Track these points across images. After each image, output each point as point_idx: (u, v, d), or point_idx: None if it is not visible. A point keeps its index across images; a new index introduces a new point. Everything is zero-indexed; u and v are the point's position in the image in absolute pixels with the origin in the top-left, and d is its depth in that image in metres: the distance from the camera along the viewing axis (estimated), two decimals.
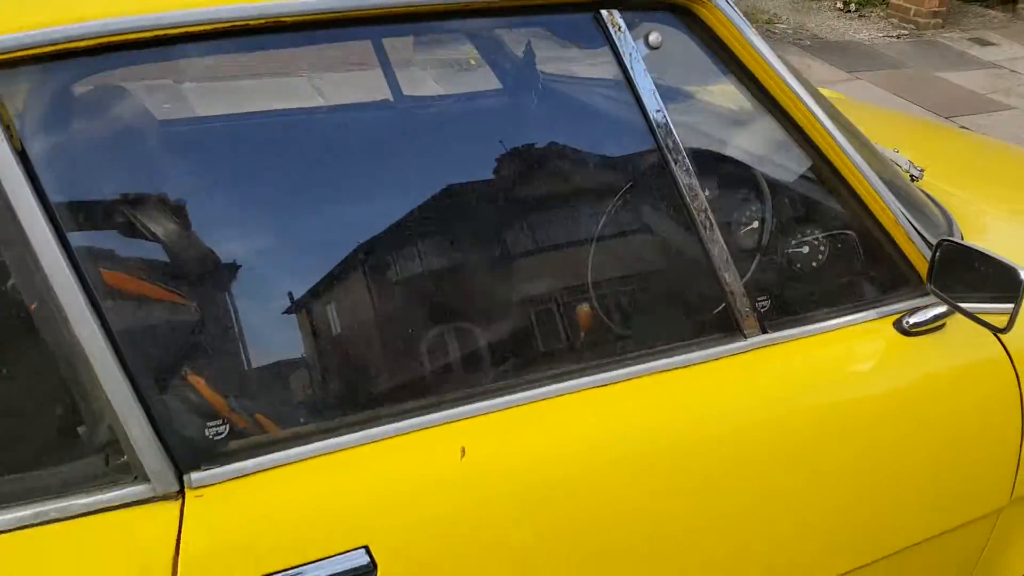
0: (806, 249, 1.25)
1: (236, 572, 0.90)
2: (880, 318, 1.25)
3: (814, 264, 1.25)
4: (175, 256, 1.14)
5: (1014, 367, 1.29)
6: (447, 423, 1.02)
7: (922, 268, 1.22)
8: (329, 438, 0.99)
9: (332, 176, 1.24)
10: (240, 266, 1.13)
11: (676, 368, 1.14)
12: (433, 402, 1.04)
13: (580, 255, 1.26)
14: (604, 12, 1.05)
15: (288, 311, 1.13)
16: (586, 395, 1.10)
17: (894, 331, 1.24)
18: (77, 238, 0.90)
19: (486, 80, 1.53)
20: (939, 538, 1.31)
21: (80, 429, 0.93)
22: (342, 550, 0.94)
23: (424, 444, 1.01)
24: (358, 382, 1.13)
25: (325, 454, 0.98)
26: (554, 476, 1.04)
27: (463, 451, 1.00)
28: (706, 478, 1.12)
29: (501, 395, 1.06)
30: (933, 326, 1.25)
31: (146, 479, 0.91)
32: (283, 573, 0.92)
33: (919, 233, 1.21)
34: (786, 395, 1.18)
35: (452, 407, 1.03)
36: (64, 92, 0.98)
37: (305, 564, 0.93)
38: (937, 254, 1.17)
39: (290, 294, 1.12)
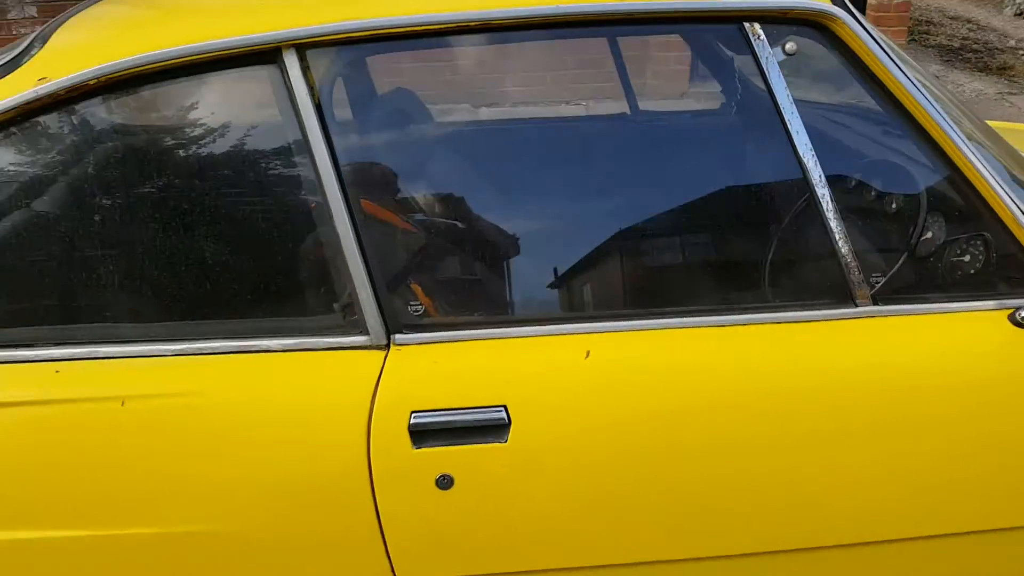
0: (930, 235, 1.41)
1: (410, 402, 1.30)
2: (997, 309, 1.38)
3: (934, 251, 1.41)
4: (415, 205, 1.59)
5: None
6: (579, 333, 1.35)
7: None
8: (491, 328, 1.36)
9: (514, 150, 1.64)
10: (452, 223, 1.56)
11: (789, 322, 1.37)
12: (569, 316, 1.39)
13: (732, 228, 1.53)
14: (746, 24, 1.33)
15: (472, 253, 1.54)
16: (707, 331, 1.37)
17: (1008, 323, 1.37)
18: (348, 174, 1.34)
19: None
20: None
21: (331, 293, 1.38)
22: (487, 404, 1.30)
23: (559, 344, 1.35)
24: (518, 296, 1.51)
25: (486, 339, 1.35)
26: (662, 384, 1.33)
27: (587, 353, 1.33)
28: (800, 422, 1.34)
29: (633, 320, 1.37)
30: None
31: (367, 333, 1.33)
32: (444, 410, 1.30)
33: None
34: (887, 363, 1.36)
35: (586, 322, 1.37)
36: (351, 70, 1.45)
37: (461, 408, 1.30)
38: None
39: (474, 242, 1.54)
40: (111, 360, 1.32)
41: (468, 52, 1.54)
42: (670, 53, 2.75)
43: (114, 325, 1.38)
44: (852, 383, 1.35)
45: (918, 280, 1.42)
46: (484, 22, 1.31)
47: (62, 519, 1.32)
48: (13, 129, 1.31)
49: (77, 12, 1.57)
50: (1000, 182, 1.34)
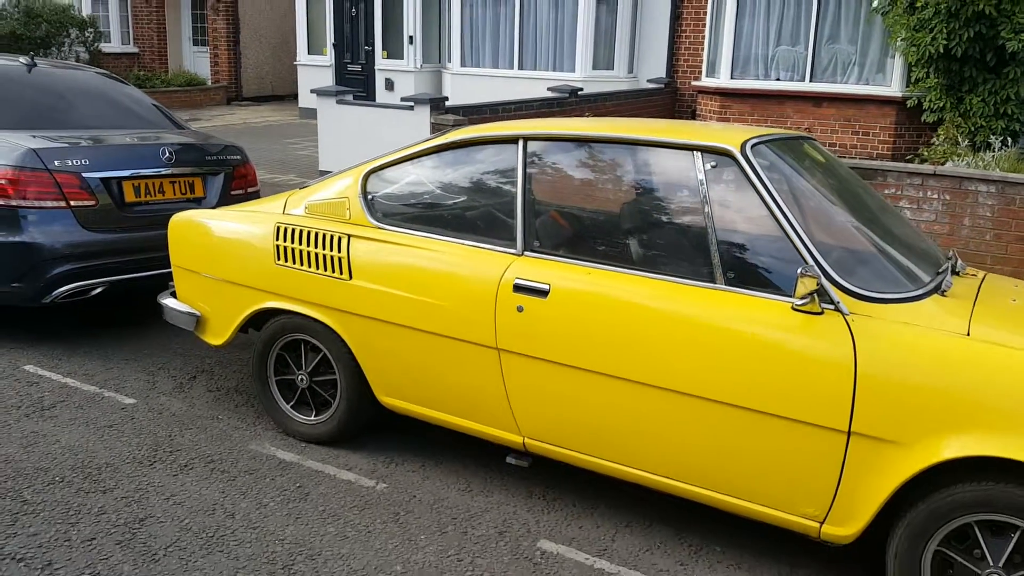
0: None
1: (517, 275, 3.27)
2: (787, 300, 2.90)
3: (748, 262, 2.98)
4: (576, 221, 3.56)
5: (852, 338, 2.75)
6: (582, 266, 3.20)
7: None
8: (560, 257, 3.29)
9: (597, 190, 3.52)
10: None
11: (695, 286, 3.06)
12: (579, 256, 3.25)
13: (687, 240, 3.23)
14: (698, 153, 3.13)
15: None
16: (665, 284, 3.11)
17: (791, 309, 2.88)
18: (534, 192, 3.39)
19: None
20: (788, 424, 2.82)
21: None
22: (543, 281, 3.20)
23: (571, 268, 3.21)
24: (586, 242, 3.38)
25: (544, 259, 3.27)
26: (626, 305, 3.10)
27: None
28: (683, 334, 3.00)
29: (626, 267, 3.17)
30: (809, 309, 2.82)
31: (515, 247, 3.34)
32: (526, 279, 3.23)
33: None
34: (728, 316, 2.96)
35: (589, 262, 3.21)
36: (536, 154, 3.51)
37: (533, 280, 3.22)
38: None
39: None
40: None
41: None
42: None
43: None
44: (710, 323, 2.98)
45: (752, 278, 2.99)
46: (575, 137, 3.33)
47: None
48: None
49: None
50: (807, 241, 2.88)
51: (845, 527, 2.83)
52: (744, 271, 3.02)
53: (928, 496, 2.70)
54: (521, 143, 3.44)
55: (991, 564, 2.64)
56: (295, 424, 3.99)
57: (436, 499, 3.52)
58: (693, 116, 12.96)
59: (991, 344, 2.64)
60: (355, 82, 15.58)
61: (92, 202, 4.99)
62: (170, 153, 5.37)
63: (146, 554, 3.04)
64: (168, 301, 4.37)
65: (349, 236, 3.68)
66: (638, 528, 3.38)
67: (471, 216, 3.57)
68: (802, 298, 2.78)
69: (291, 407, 4.02)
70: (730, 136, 3.16)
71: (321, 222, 3.79)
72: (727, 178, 3.12)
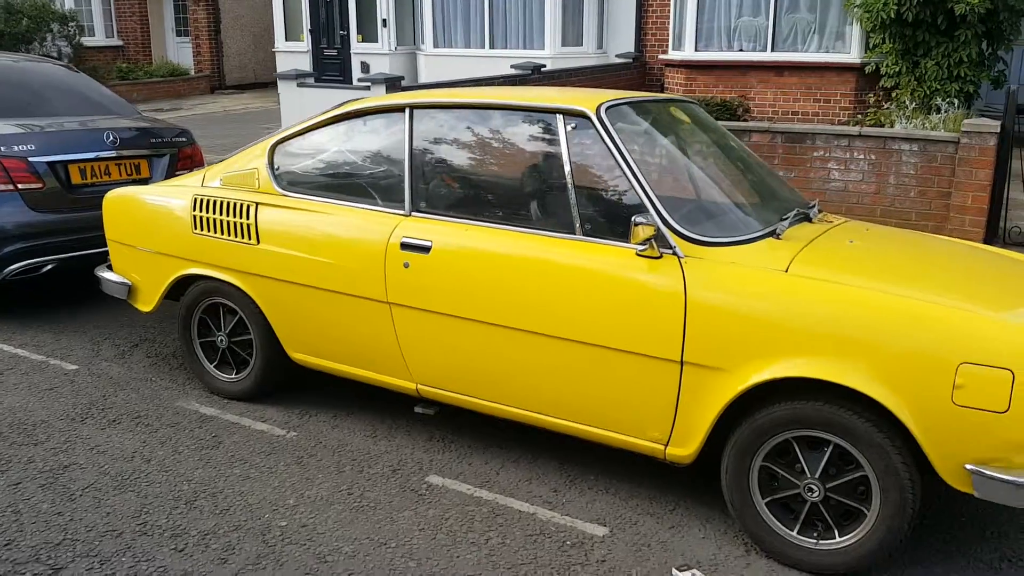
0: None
1: (403, 235, 3.58)
2: (632, 248, 3.21)
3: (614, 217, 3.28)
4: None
5: (684, 278, 3.06)
6: (459, 223, 3.51)
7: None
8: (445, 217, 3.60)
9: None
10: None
11: (554, 237, 3.36)
12: (460, 214, 3.55)
13: (545, 194, 3.54)
14: (560, 116, 3.43)
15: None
16: (532, 236, 3.42)
17: (635, 255, 3.18)
18: (420, 156, 3.71)
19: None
20: (633, 358, 3.13)
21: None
22: (426, 239, 3.52)
23: (452, 225, 3.52)
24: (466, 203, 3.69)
25: (436, 220, 3.58)
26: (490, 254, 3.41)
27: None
28: (544, 276, 3.31)
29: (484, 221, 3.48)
30: (649, 253, 3.13)
31: (404, 210, 3.66)
32: (412, 238, 3.55)
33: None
34: (584, 257, 3.27)
35: (466, 220, 3.52)
36: (421, 121, 3.82)
37: (418, 238, 3.54)
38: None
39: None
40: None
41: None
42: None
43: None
44: (567, 270, 3.28)
45: (605, 228, 3.29)
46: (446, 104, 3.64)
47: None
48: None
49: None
50: (650, 194, 3.19)
51: (684, 448, 3.15)
52: (599, 222, 3.32)
53: (751, 416, 3.01)
54: (408, 111, 3.75)
55: (808, 476, 2.96)
56: (218, 382, 4.33)
57: (340, 444, 3.85)
58: (662, 90, 13.21)
59: (804, 278, 2.95)
60: (332, 66, 15.87)
61: (39, 185, 5.32)
62: (114, 137, 5.69)
63: (64, 495, 3.39)
64: (104, 273, 4.71)
65: (256, 204, 4.00)
66: (524, 462, 3.71)
67: (366, 181, 3.88)
68: (640, 244, 3.09)
69: (214, 367, 4.35)
70: (589, 99, 3.46)
71: (233, 192, 4.11)
72: (585, 138, 3.42)
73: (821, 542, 2.99)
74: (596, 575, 2.96)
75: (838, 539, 2.96)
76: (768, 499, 3.07)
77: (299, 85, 9.32)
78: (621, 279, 3.16)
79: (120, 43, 20.19)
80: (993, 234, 6.58)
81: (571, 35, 13.83)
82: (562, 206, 3.36)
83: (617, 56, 13.84)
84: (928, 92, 10.24)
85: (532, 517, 3.30)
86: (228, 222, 4.05)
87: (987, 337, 2.67)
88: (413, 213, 3.66)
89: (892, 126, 9.67)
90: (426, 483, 3.53)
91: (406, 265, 3.56)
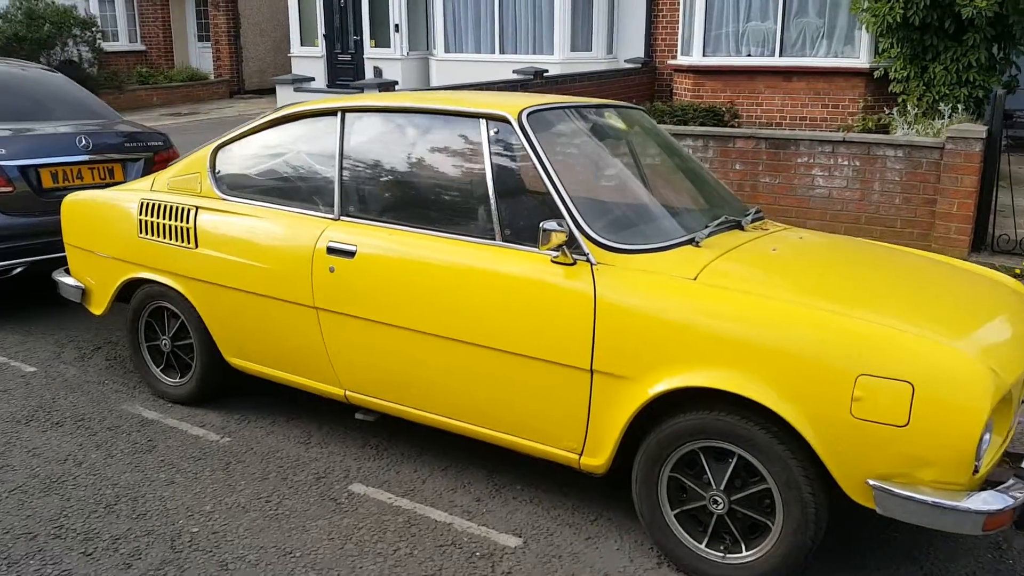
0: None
1: (331, 238, 3.58)
2: (546, 253, 3.18)
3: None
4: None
5: (595, 286, 3.03)
6: (382, 227, 3.50)
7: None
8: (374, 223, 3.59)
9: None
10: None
11: (476, 244, 3.34)
12: (386, 219, 3.54)
13: (464, 198, 3.51)
14: (483, 120, 3.41)
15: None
16: (454, 242, 3.40)
17: (550, 261, 3.15)
18: (350, 160, 3.71)
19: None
20: (546, 366, 3.09)
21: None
22: (351, 243, 3.51)
23: (380, 229, 3.50)
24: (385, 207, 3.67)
25: (356, 223, 3.57)
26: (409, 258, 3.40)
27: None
28: (464, 277, 3.29)
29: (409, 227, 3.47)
30: (562, 260, 3.10)
31: (333, 214, 3.65)
32: (338, 242, 3.55)
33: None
34: (501, 262, 3.24)
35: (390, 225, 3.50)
36: (352, 125, 3.81)
37: (342, 242, 3.53)
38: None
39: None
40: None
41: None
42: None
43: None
44: (486, 277, 3.26)
45: (524, 234, 3.26)
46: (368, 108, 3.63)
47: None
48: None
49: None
50: (567, 200, 3.16)
51: (597, 458, 3.11)
52: (519, 228, 3.29)
53: (658, 426, 2.96)
54: (340, 115, 3.75)
55: (714, 488, 2.91)
56: (163, 386, 4.36)
57: (271, 450, 3.85)
58: (671, 95, 13.13)
59: (710, 287, 2.90)
60: (346, 71, 15.99)
61: (9, 189, 5.40)
62: (87, 141, 5.76)
63: None
64: (61, 277, 4.77)
65: (196, 208, 4.02)
66: (454, 470, 3.69)
67: (300, 185, 3.89)
68: (553, 250, 3.06)
69: (160, 370, 4.38)
70: (512, 104, 3.43)
71: (177, 196, 4.14)
72: (507, 143, 3.40)
73: (728, 556, 2.93)
74: None
75: (744, 553, 2.91)
76: (677, 511, 3.02)
77: (296, 90, 9.40)
78: (536, 286, 3.13)
79: (143, 48, 20.50)
80: (981, 242, 6.44)
81: (581, 40, 13.79)
82: (484, 211, 3.34)
83: (626, 61, 13.78)
84: (937, 97, 10.06)
85: (448, 527, 3.27)
86: (169, 226, 4.08)
87: (886, 349, 2.60)
88: (342, 217, 3.66)
89: (895, 132, 9.52)
90: (348, 492, 3.51)
91: (331, 270, 3.55)
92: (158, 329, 4.35)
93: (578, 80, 11.89)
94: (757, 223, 3.68)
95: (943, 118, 9.33)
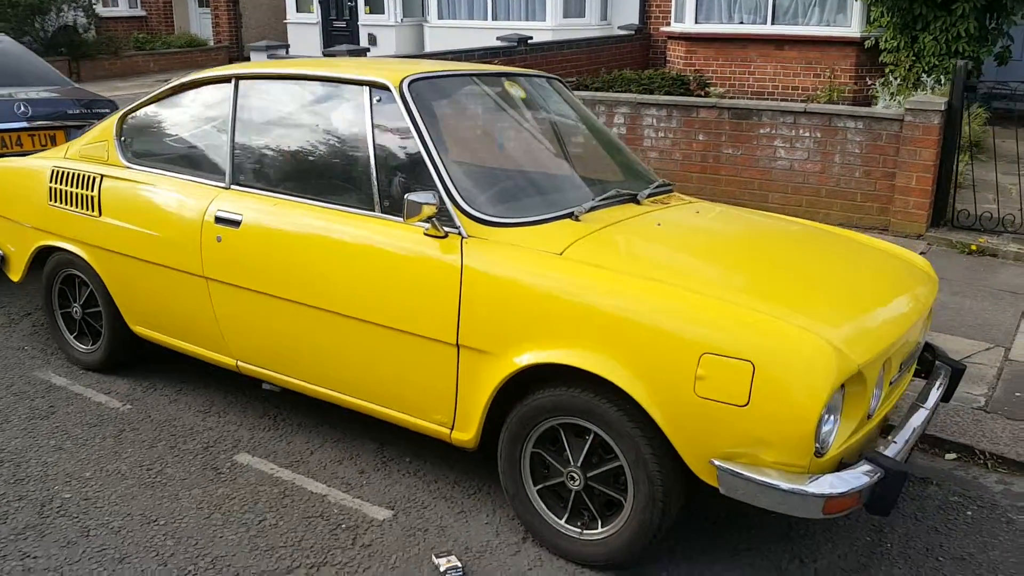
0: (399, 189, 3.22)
1: (218, 208, 3.57)
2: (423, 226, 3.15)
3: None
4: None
5: (462, 260, 2.99)
6: (274, 198, 3.48)
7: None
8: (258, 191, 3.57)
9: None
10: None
11: (357, 215, 3.32)
12: (275, 189, 3.52)
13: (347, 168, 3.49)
14: (367, 88, 3.37)
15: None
16: (334, 212, 3.38)
17: (423, 232, 3.13)
18: (242, 128, 3.69)
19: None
20: (417, 340, 3.08)
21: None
22: (237, 212, 3.50)
23: (265, 199, 3.49)
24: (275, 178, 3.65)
25: (247, 193, 3.55)
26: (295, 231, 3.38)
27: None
28: (342, 251, 3.27)
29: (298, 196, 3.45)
30: (432, 232, 3.07)
31: (225, 183, 3.64)
32: (225, 211, 3.53)
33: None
34: (378, 232, 3.22)
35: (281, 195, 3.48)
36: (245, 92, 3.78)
37: (229, 211, 3.52)
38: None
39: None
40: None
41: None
42: None
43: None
44: (363, 249, 3.24)
45: (402, 205, 3.23)
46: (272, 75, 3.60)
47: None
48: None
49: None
50: (441, 171, 3.12)
51: (465, 433, 3.10)
52: (398, 199, 3.26)
53: (520, 402, 2.94)
54: (234, 82, 3.73)
55: (571, 463, 2.89)
56: (76, 353, 4.39)
57: (169, 419, 3.88)
58: (665, 63, 12.97)
59: (573, 262, 2.86)
60: (340, 38, 15.90)
61: None
62: (26, 108, 5.78)
63: None
64: None
65: (102, 175, 4.02)
66: (345, 442, 3.69)
67: (197, 153, 3.87)
68: (423, 222, 3.03)
69: (74, 337, 4.41)
70: (396, 72, 3.39)
71: (86, 164, 4.14)
72: (389, 112, 3.35)
73: (585, 532, 2.92)
74: (355, 559, 2.94)
75: (600, 530, 2.89)
76: (540, 486, 3.00)
77: (269, 57, 9.37)
78: (407, 259, 3.10)
79: (143, 14, 20.51)
80: (940, 216, 6.33)
81: (574, 7, 13.64)
82: (364, 182, 3.31)
83: (620, 28, 13.61)
84: (927, 68, 9.88)
85: (322, 499, 3.28)
86: (76, 194, 4.08)
87: (729, 326, 2.56)
88: (232, 186, 3.64)
89: (877, 103, 9.37)
90: (232, 461, 3.53)
91: (219, 239, 3.54)
92: (70, 296, 4.38)
93: (565, 47, 11.76)
94: (659, 197, 3.62)
95: (926, 89, 9.16)
